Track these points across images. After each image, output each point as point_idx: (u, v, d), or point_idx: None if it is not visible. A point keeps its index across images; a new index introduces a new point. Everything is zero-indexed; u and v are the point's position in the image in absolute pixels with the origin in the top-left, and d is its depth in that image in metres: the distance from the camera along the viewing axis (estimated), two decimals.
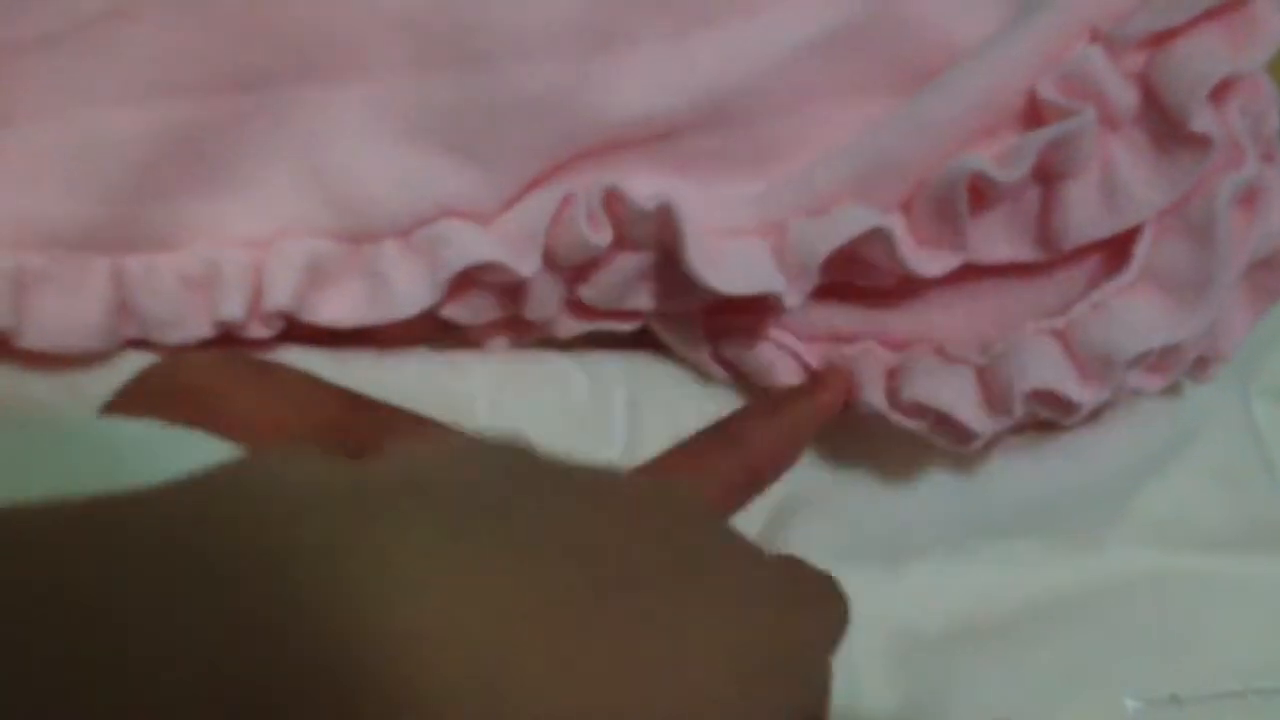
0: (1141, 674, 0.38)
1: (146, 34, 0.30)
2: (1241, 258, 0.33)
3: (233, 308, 0.31)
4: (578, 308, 0.36)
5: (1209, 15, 0.32)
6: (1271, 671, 0.39)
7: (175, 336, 0.31)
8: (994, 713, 0.37)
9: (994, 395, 0.32)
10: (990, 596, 0.39)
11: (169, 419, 0.25)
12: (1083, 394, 0.32)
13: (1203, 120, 0.31)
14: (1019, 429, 0.36)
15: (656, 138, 0.34)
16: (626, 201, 0.32)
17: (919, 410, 0.33)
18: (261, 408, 0.26)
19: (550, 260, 0.33)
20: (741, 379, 0.38)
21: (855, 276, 0.35)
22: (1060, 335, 0.32)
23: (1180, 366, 0.35)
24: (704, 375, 0.38)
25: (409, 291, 0.32)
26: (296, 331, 0.33)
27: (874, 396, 0.34)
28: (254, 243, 0.32)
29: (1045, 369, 0.32)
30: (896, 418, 0.34)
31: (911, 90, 0.34)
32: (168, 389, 0.27)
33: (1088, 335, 0.32)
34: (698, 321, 0.37)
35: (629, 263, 0.34)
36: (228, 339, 0.32)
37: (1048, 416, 0.33)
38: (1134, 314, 0.32)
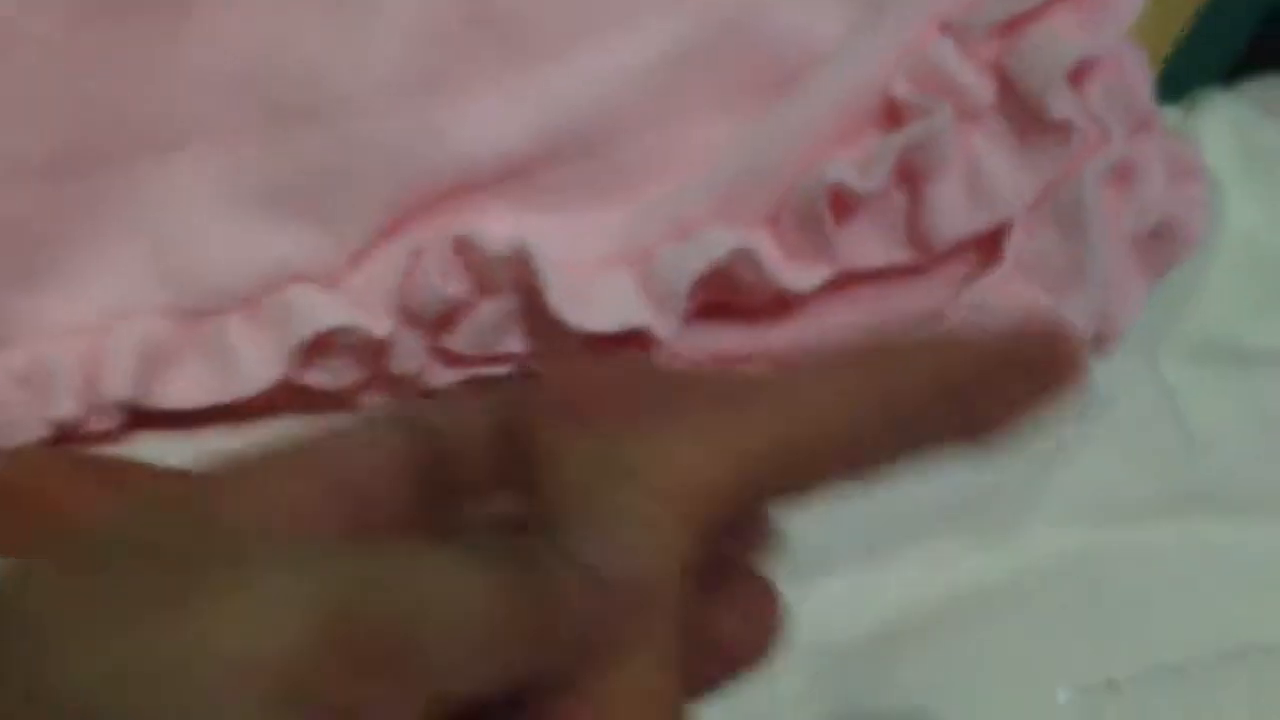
0: (1074, 660, 0.38)
1: None
2: (1119, 236, 0.33)
3: (65, 405, 0.29)
4: (447, 356, 0.34)
5: None
6: (1210, 640, 0.39)
7: (8, 439, 0.29)
8: (923, 714, 0.36)
9: None
10: (911, 599, 0.38)
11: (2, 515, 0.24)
12: None
13: (1062, 105, 0.30)
14: None
15: (509, 176, 0.33)
16: (478, 248, 0.31)
17: None
18: (87, 505, 0.25)
19: (407, 315, 0.32)
20: None
21: (732, 296, 0.34)
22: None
23: None
24: None
25: (257, 365, 0.31)
26: (147, 416, 0.32)
27: None
28: (88, 331, 0.30)
29: None
30: None
31: (770, 101, 0.33)
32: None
33: None
34: (579, 355, 0.35)
35: (492, 308, 0.33)
36: (69, 436, 0.30)
37: None
38: (1010, 310, 0.30)
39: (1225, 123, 0.52)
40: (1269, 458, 0.41)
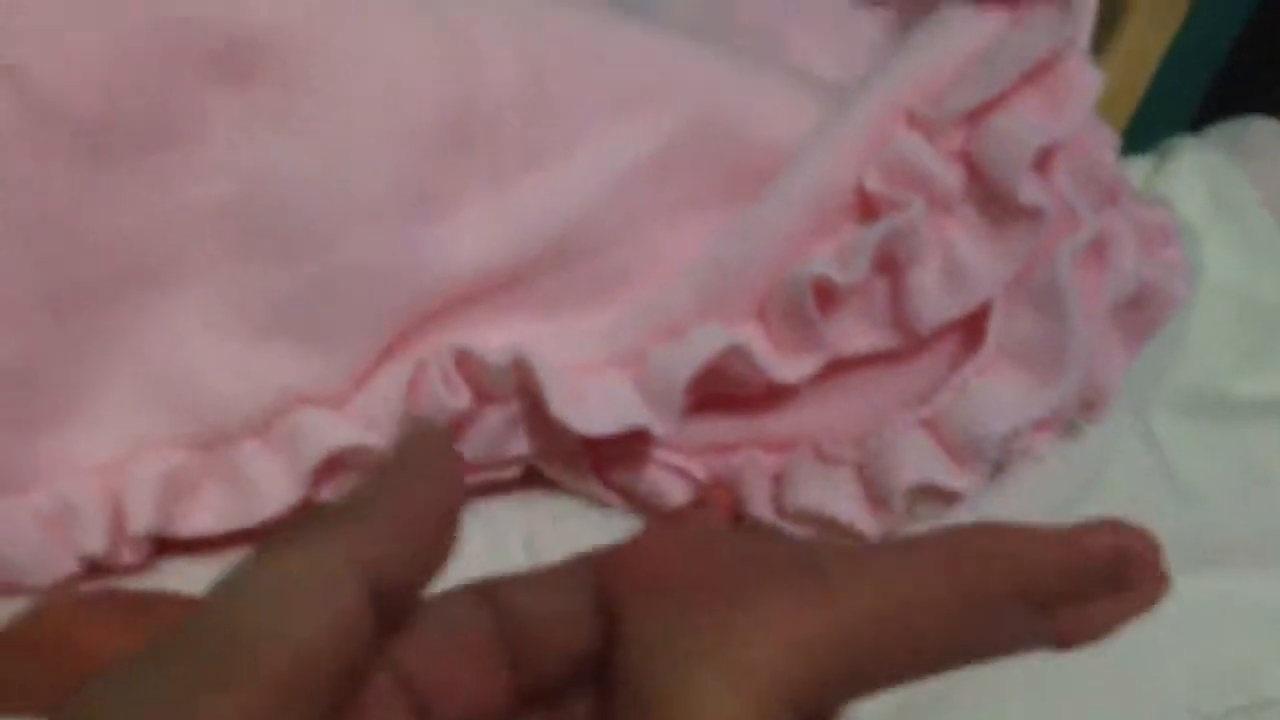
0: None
1: None
2: (1099, 309, 0.34)
3: (94, 542, 0.30)
4: None
5: (1021, 83, 0.32)
6: (1219, 694, 0.39)
7: (41, 578, 0.30)
8: None
9: (875, 495, 0.32)
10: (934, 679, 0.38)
11: (34, 667, 0.24)
12: (960, 481, 0.32)
13: (1030, 191, 0.31)
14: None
15: (499, 287, 0.34)
16: (479, 360, 0.32)
17: (807, 518, 0.33)
18: (117, 646, 0.25)
19: None
20: (637, 503, 0.37)
21: (725, 388, 0.35)
22: (929, 424, 0.32)
23: (1063, 420, 0.35)
24: (602, 504, 0.38)
25: (273, 489, 0.32)
26: (173, 542, 0.32)
27: (760, 507, 0.34)
28: (107, 468, 0.31)
29: (920, 462, 0.32)
30: (787, 526, 0.34)
31: (745, 197, 0.34)
32: (31, 638, 0.27)
33: (954, 422, 0.32)
34: (582, 455, 0.36)
35: (496, 416, 0.34)
36: (99, 569, 0.31)
37: (928, 513, 0.33)
38: (996, 394, 0.32)
39: (1197, 170, 0.53)
40: (1258, 509, 0.42)
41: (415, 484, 0.19)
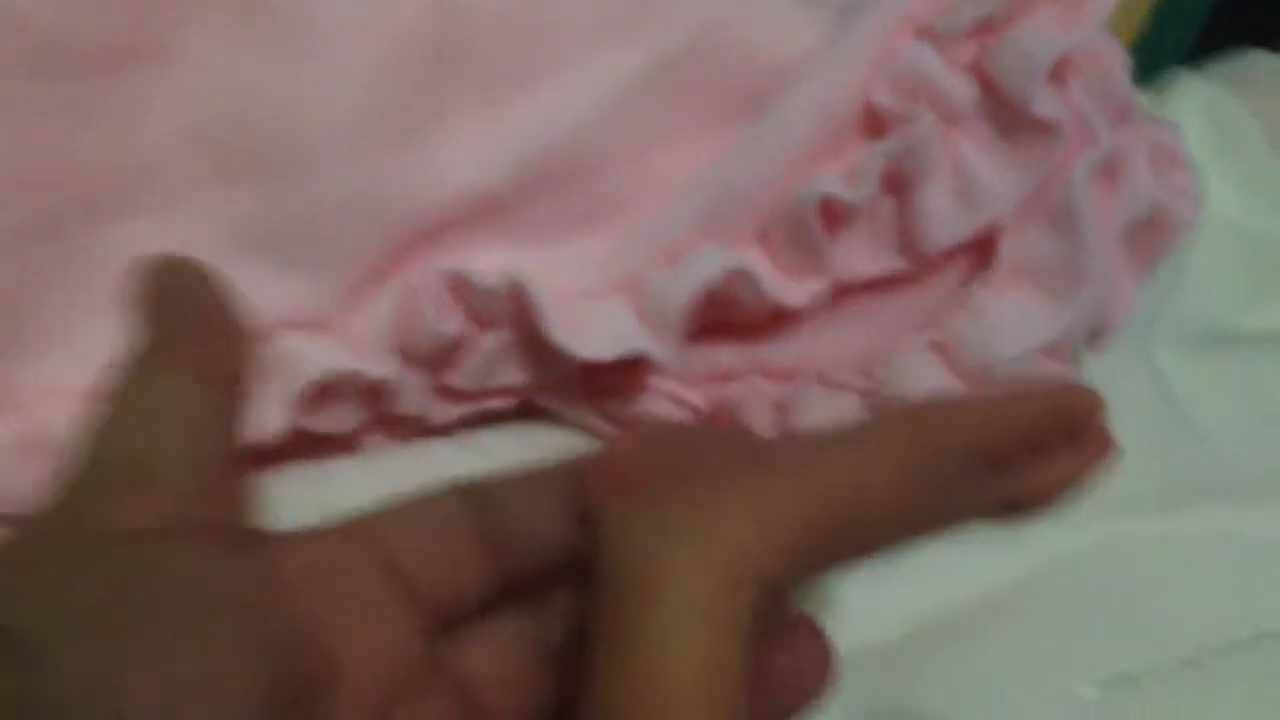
0: (1094, 657, 0.38)
1: None
2: (1111, 230, 0.33)
3: None
4: (449, 393, 0.34)
5: None
6: (1221, 629, 0.39)
7: (17, 503, 0.29)
8: (949, 716, 0.36)
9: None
10: (929, 605, 0.38)
11: None
12: None
13: (1045, 104, 0.30)
14: None
15: (491, 211, 0.32)
16: (472, 284, 0.31)
17: None
18: None
19: (406, 356, 0.32)
20: None
21: (727, 314, 0.34)
22: (939, 347, 0.31)
23: (1071, 347, 0.34)
24: (599, 435, 0.37)
25: (259, 416, 0.30)
26: None
27: (763, 434, 0.33)
28: (86, 392, 0.30)
29: (930, 385, 0.31)
30: None
31: (746, 118, 0.33)
32: None
33: (965, 344, 0.31)
34: (578, 384, 0.35)
35: (490, 342, 0.33)
36: None
37: None
38: (1009, 314, 0.31)
39: (1197, 105, 0.53)
40: (1267, 443, 0.42)
41: (197, 296, 0.23)
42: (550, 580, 0.24)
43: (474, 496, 0.24)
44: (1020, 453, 0.22)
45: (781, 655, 0.22)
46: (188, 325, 0.22)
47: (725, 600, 0.19)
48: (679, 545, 0.20)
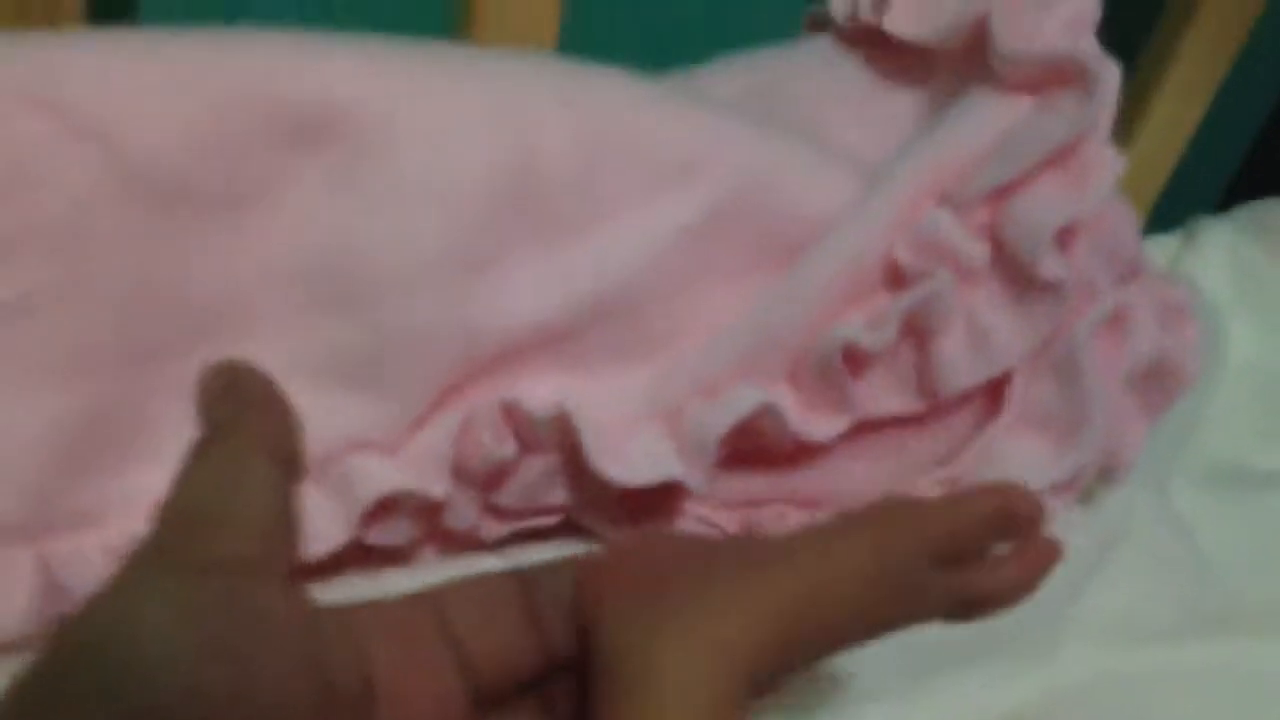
0: None
1: (41, 326, 0.31)
2: (1116, 379, 0.35)
3: None
4: (497, 511, 0.37)
5: (1045, 164, 0.34)
6: None
7: None
8: None
9: None
10: None
11: None
12: None
13: (1051, 266, 0.33)
14: None
15: (546, 343, 0.35)
16: (524, 412, 0.34)
17: None
18: None
19: (461, 476, 0.35)
20: None
21: (758, 445, 0.36)
22: (950, 485, 0.34)
23: (1080, 485, 0.37)
24: None
25: (325, 530, 0.33)
26: None
27: None
28: None
29: None
30: None
31: (781, 264, 0.35)
32: None
33: (974, 483, 0.33)
34: (618, 507, 0.38)
35: (537, 465, 0.35)
36: None
37: None
38: (1015, 457, 0.33)
39: (1221, 250, 0.55)
40: (1271, 577, 0.43)
41: (250, 385, 0.25)
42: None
43: (526, 578, 0.27)
44: (967, 550, 0.25)
45: None
46: (255, 410, 0.25)
47: (713, 691, 0.22)
48: (672, 637, 0.22)
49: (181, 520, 0.23)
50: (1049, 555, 0.26)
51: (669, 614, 0.23)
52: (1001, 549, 0.27)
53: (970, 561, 0.25)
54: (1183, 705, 0.40)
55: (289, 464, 0.24)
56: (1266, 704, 0.41)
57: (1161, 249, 0.57)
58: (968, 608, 0.26)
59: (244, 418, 0.25)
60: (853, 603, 0.24)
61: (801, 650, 0.24)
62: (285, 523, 0.23)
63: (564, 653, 0.26)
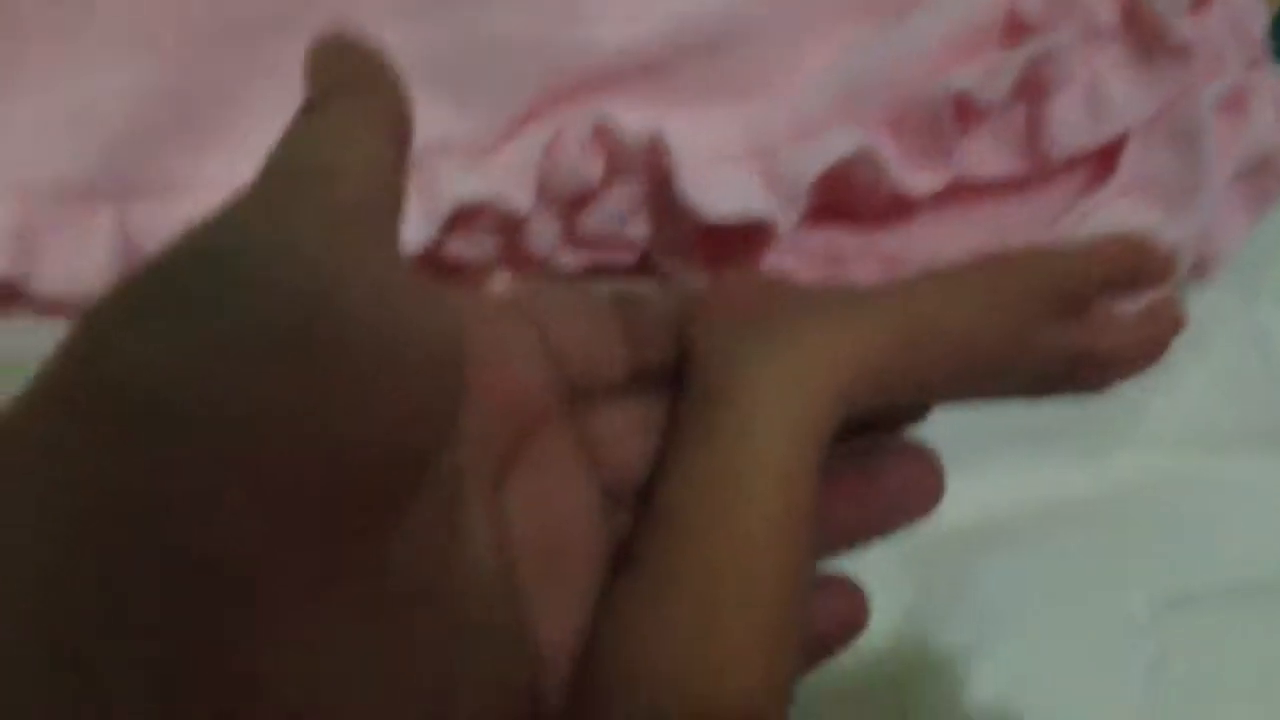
0: (1152, 575, 0.39)
1: None
2: (1229, 162, 0.34)
3: None
4: (576, 240, 0.36)
5: None
6: (1264, 564, 0.40)
7: None
8: (1003, 609, 0.38)
9: None
10: (1002, 502, 0.39)
11: None
12: None
13: (1183, 31, 0.31)
14: None
15: (643, 70, 0.34)
16: (616, 133, 0.33)
17: None
18: None
19: (545, 193, 0.34)
20: None
21: (848, 198, 0.35)
22: None
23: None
24: None
25: (409, 229, 0.33)
26: None
27: None
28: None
29: None
30: None
31: (892, 12, 0.34)
32: None
33: None
34: (698, 250, 0.37)
35: (623, 193, 0.35)
36: None
37: None
38: (1120, 224, 0.32)
39: None
40: None
41: (360, 56, 0.23)
42: (671, 377, 0.25)
43: (621, 294, 0.25)
44: (1089, 299, 0.23)
45: (893, 474, 0.24)
46: (366, 79, 0.22)
47: (806, 410, 0.21)
48: (765, 356, 0.21)
49: (287, 170, 0.20)
50: (1177, 319, 0.24)
51: (769, 333, 0.22)
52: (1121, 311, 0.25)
53: (1091, 316, 0.23)
54: (1236, 515, 0.40)
55: (399, 138, 0.22)
56: None
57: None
58: (1082, 373, 0.24)
59: (354, 85, 0.22)
60: (964, 348, 0.22)
61: (908, 381, 0.22)
62: (394, 199, 0.21)
63: (649, 374, 0.25)
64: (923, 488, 0.24)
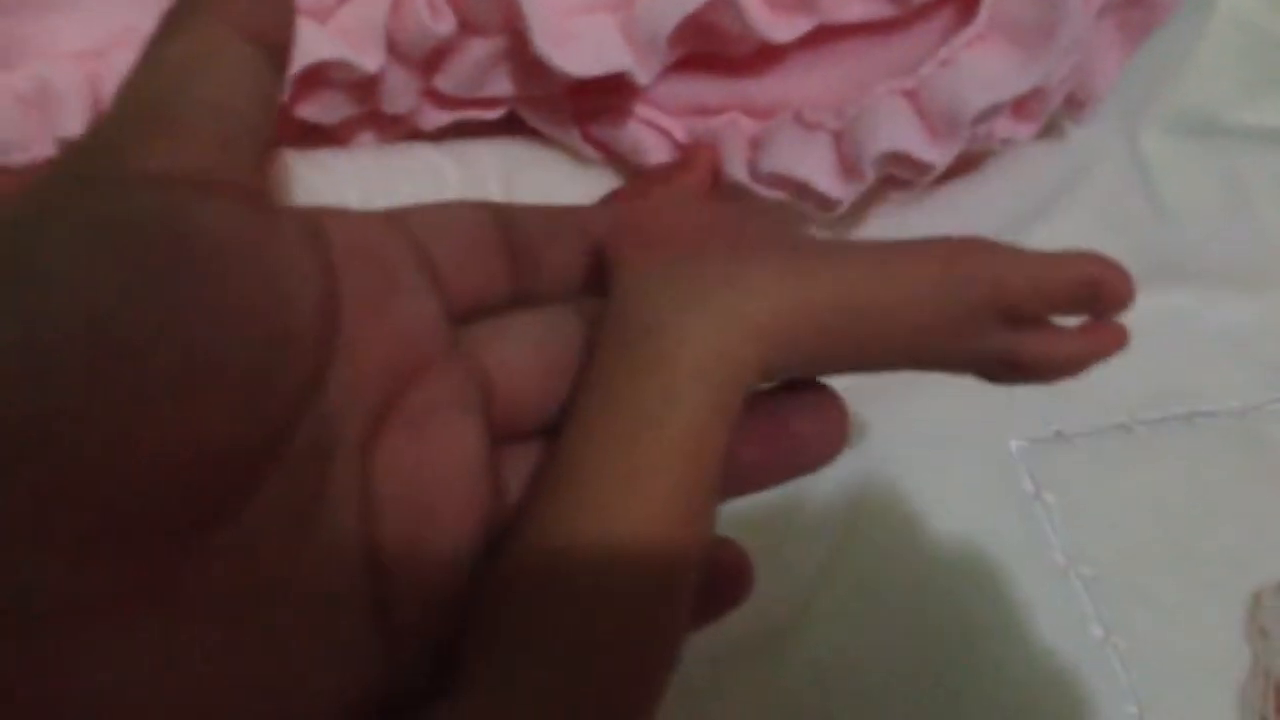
0: (1028, 416, 0.39)
1: None
2: (1093, 2, 0.33)
3: (73, 124, 0.30)
4: (438, 98, 0.35)
5: None
6: (1156, 402, 0.40)
7: (20, 158, 0.31)
8: (887, 453, 0.38)
9: (847, 160, 0.32)
10: None
11: None
12: (932, 153, 0.32)
13: None
14: (902, 185, 0.36)
15: None
16: None
17: (779, 181, 0.33)
18: None
19: (396, 52, 0.33)
20: (615, 159, 0.38)
21: (713, 47, 0.34)
22: (910, 94, 0.32)
23: (1045, 111, 0.35)
24: (580, 157, 0.38)
25: None
26: None
27: (736, 169, 0.34)
28: (89, 53, 0.31)
29: (895, 130, 0.32)
30: (759, 189, 0.34)
31: None
32: None
33: (935, 93, 0.32)
34: (564, 103, 0.36)
35: (480, 48, 0.34)
36: None
37: (904, 177, 0.33)
38: (980, 68, 0.31)
39: None
40: (1238, 231, 0.42)
41: None
42: (559, 293, 0.25)
43: (502, 214, 0.24)
44: (1041, 313, 0.22)
45: (800, 419, 0.23)
46: None
47: (734, 370, 0.20)
48: (700, 310, 0.20)
49: (126, 118, 0.19)
50: (1117, 339, 0.23)
51: (698, 281, 0.21)
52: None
53: (1036, 323, 0.22)
54: (1129, 350, 0.41)
55: (274, 49, 0.20)
56: (1213, 354, 0.41)
57: None
58: (1013, 370, 0.23)
59: None
60: (902, 329, 0.21)
61: (834, 357, 0.22)
62: (256, 121, 0.19)
63: (535, 292, 0.24)
64: (827, 435, 0.24)
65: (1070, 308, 0.22)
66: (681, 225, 0.23)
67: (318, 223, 0.21)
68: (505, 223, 0.24)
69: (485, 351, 0.23)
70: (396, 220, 0.23)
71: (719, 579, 0.22)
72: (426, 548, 0.21)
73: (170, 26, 0.20)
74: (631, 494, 0.19)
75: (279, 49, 0.21)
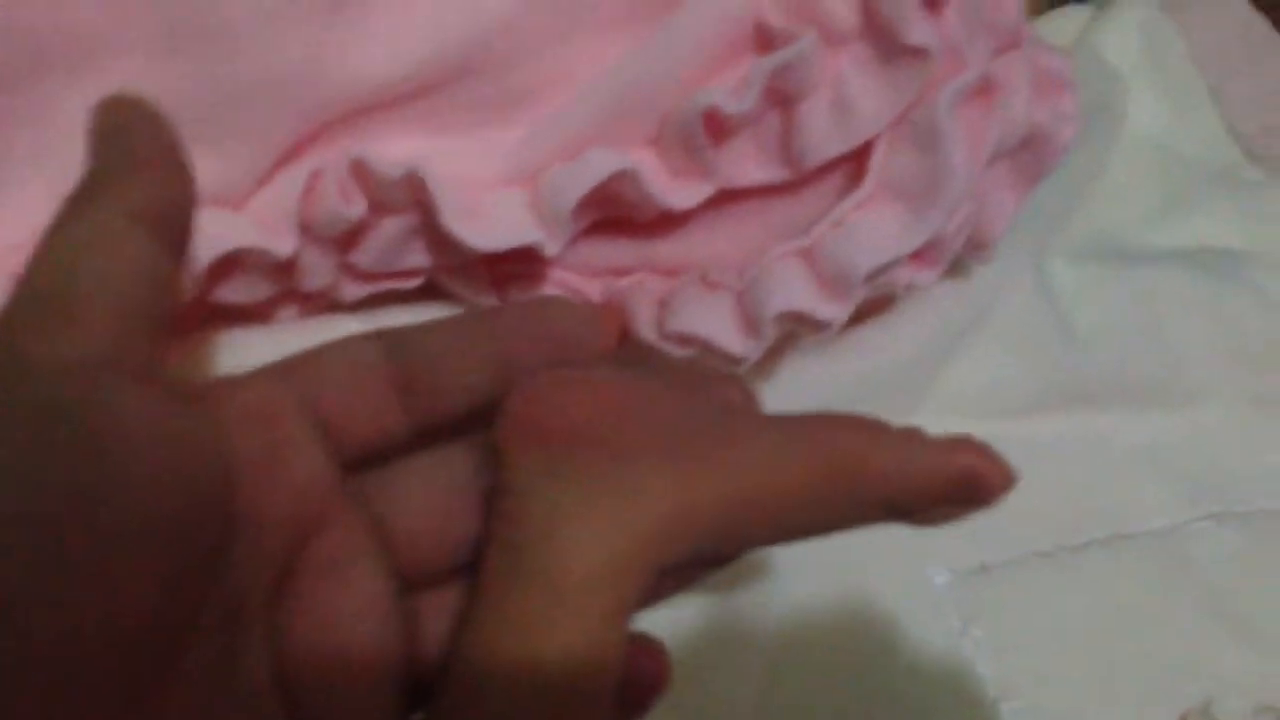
0: (951, 546, 0.40)
1: None
2: (986, 148, 0.34)
3: None
4: (356, 273, 0.36)
5: None
6: (1078, 526, 0.41)
7: None
8: (804, 591, 0.38)
9: (749, 319, 0.33)
10: None
11: None
12: (829, 311, 0.33)
13: (919, 32, 0.32)
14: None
15: (407, 98, 0.34)
16: (374, 169, 0.33)
17: (685, 340, 0.34)
18: None
19: (311, 234, 0.34)
20: None
21: (620, 213, 0.36)
22: (805, 254, 0.33)
23: (945, 257, 0.36)
24: None
25: None
26: None
27: (645, 329, 0.35)
28: (12, 250, 0.32)
29: (791, 291, 0.33)
30: (667, 348, 0.35)
31: (654, 22, 0.34)
32: None
33: (828, 253, 0.33)
34: (480, 271, 0.37)
35: (393, 226, 0.35)
36: None
37: (804, 333, 0.34)
38: (870, 228, 0.33)
39: (1130, 22, 0.54)
40: (1149, 352, 0.43)
41: (141, 134, 0.22)
42: (470, 427, 0.25)
43: (393, 340, 0.24)
44: (922, 509, 0.22)
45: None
46: (126, 162, 0.21)
47: (622, 575, 0.20)
48: (582, 521, 0.21)
49: (23, 306, 0.19)
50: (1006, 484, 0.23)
51: (585, 481, 0.21)
52: None
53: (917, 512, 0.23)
54: (1034, 478, 0.41)
55: (167, 225, 0.21)
56: (1132, 475, 0.42)
57: (1074, 20, 0.56)
58: (906, 522, 0.23)
59: (124, 172, 0.21)
60: (790, 518, 0.22)
61: (720, 554, 0.23)
62: (152, 306, 0.20)
63: (443, 421, 0.25)
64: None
65: (951, 505, 0.22)
66: (578, 407, 0.23)
67: (210, 393, 0.22)
68: (398, 351, 0.24)
69: (380, 499, 0.23)
70: (286, 374, 0.23)
71: (634, 683, 0.23)
72: (340, 690, 0.21)
73: (68, 214, 0.21)
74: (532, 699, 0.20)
75: (178, 232, 0.22)
